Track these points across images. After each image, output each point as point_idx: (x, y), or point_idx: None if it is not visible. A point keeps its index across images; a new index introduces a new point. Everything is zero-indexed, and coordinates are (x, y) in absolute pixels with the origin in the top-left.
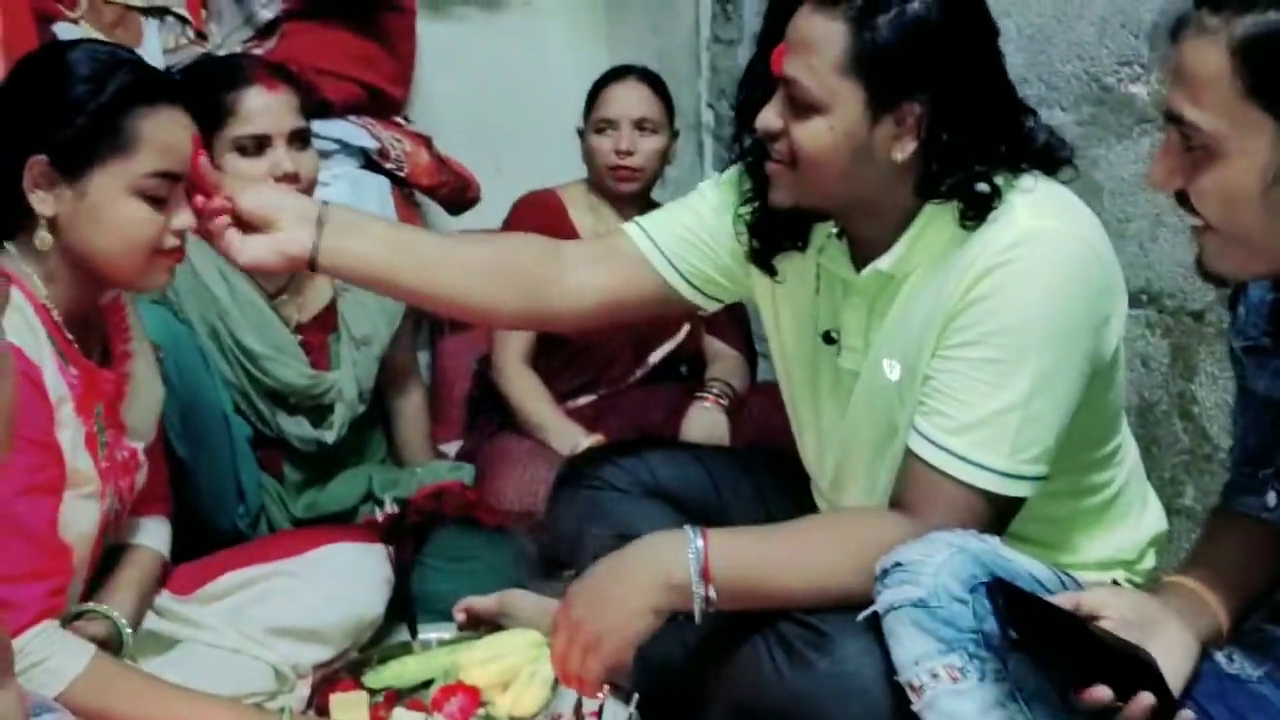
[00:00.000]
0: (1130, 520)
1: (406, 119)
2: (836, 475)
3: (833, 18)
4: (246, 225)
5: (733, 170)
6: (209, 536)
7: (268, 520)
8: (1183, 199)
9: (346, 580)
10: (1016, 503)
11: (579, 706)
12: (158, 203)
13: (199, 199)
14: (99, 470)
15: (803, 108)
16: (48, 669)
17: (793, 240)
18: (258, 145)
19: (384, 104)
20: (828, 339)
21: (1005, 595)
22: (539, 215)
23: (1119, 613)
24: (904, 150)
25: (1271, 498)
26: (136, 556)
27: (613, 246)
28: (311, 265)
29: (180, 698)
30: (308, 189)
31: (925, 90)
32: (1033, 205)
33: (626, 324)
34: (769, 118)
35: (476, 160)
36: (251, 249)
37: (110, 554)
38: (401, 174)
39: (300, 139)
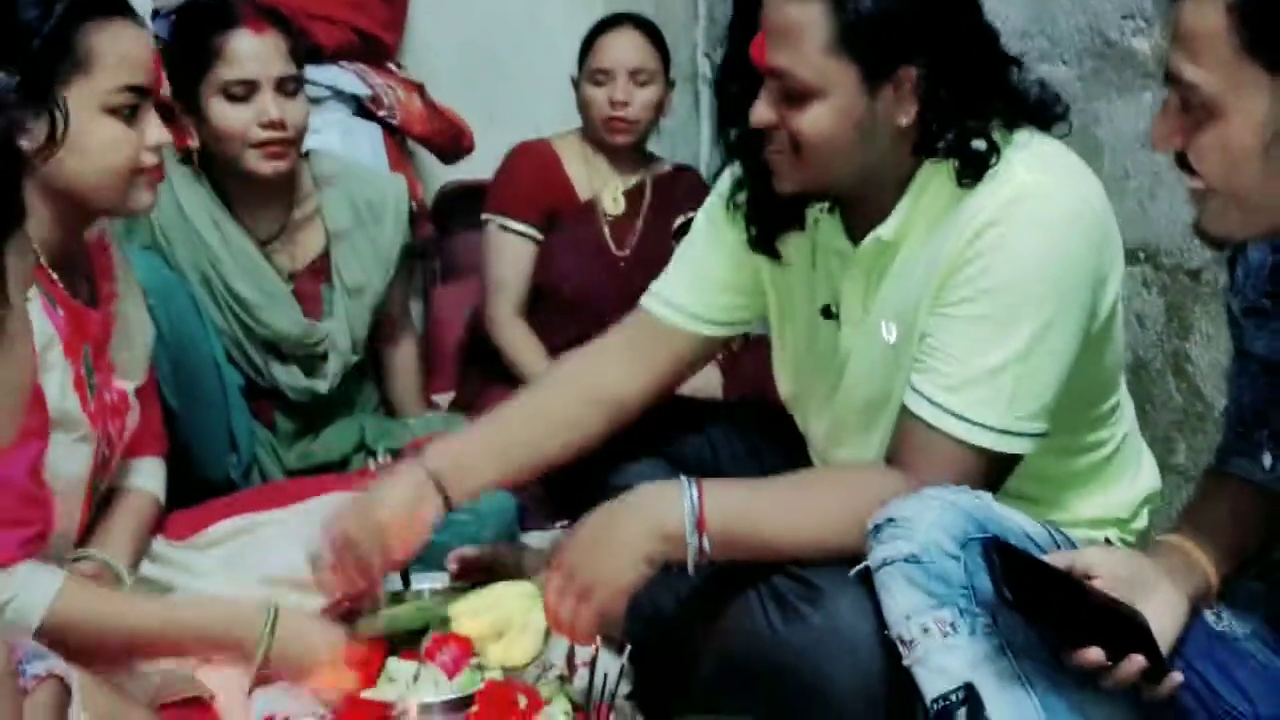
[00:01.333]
0: (1126, 479)
1: (399, 65)
2: (831, 436)
3: (808, 1)
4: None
5: (714, 196)
6: (201, 486)
7: (260, 470)
8: (1182, 161)
9: None
10: (1013, 460)
11: (571, 656)
12: (130, 120)
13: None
14: (88, 413)
15: (797, 96)
16: (20, 603)
17: (791, 220)
18: (245, 90)
19: (376, 50)
20: (826, 313)
21: (1000, 554)
22: (533, 166)
23: (1112, 572)
24: (908, 114)
25: (1267, 459)
26: (131, 500)
27: (644, 329)
28: (449, 508)
29: (160, 605)
30: (296, 138)
31: (918, 50)
32: (1029, 161)
33: (622, 285)
34: (763, 112)
35: (470, 108)
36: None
37: (105, 496)
38: (394, 122)
39: (289, 86)
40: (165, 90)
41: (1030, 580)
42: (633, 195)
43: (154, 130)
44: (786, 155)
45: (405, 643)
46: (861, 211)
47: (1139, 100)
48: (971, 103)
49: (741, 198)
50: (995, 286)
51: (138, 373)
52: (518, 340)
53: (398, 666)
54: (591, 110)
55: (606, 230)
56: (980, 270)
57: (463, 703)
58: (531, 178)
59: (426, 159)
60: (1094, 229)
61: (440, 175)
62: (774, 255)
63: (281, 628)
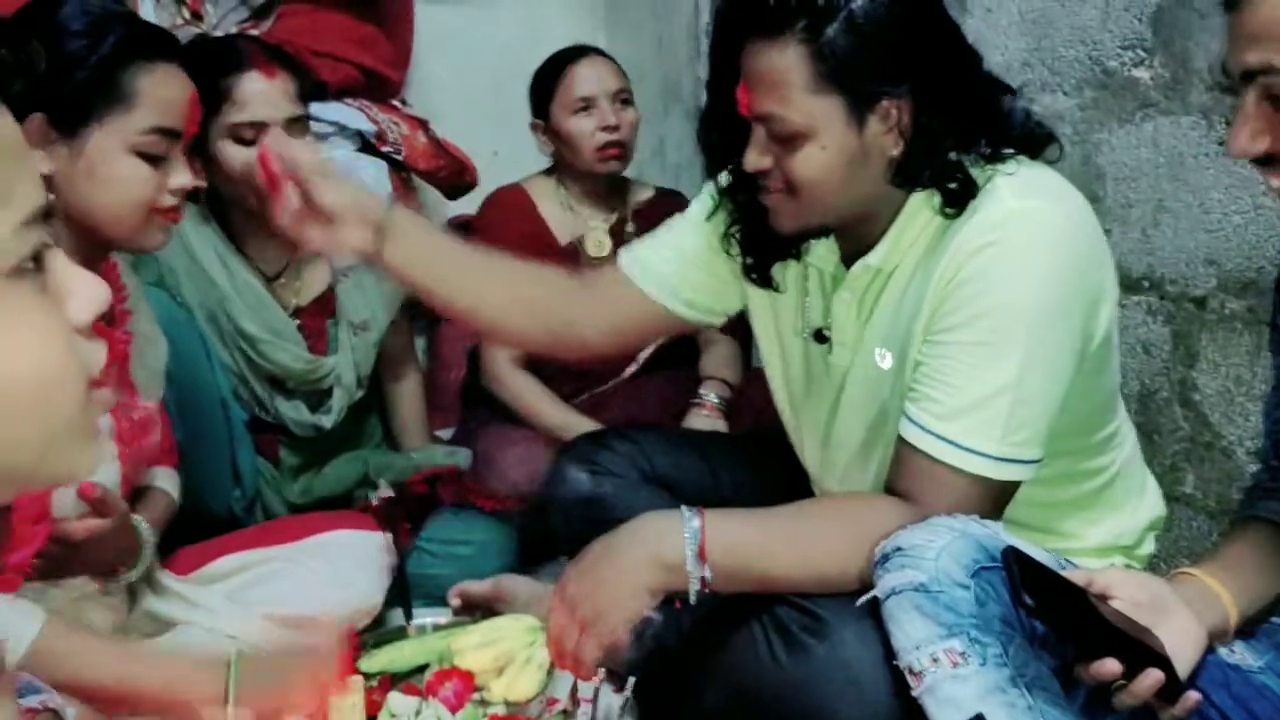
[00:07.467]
0: (1129, 505)
1: (404, 102)
2: (828, 463)
3: (785, 46)
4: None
5: (705, 194)
6: (205, 520)
7: (263, 504)
8: (1266, 161)
9: (346, 567)
10: (1012, 486)
11: (574, 691)
12: (156, 161)
13: (273, 171)
14: (119, 431)
15: (788, 139)
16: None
17: (788, 252)
18: (254, 133)
19: (381, 87)
20: (819, 338)
21: (1020, 565)
22: (508, 216)
23: (1131, 595)
24: (897, 145)
25: None
26: (151, 495)
27: (615, 284)
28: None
29: (121, 659)
30: None
31: (900, 79)
32: (1017, 186)
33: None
34: (756, 159)
35: (474, 144)
36: (312, 237)
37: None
38: (399, 157)
39: (297, 126)
40: None
41: (1048, 593)
42: (615, 231)
43: (179, 174)
44: (782, 196)
45: (407, 678)
46: (854, 237)
47: (1140, 130)
48: (956, 131)
49: (735, 230)
50: (986, 312)
51: (154, 389)
52: (523, 390)
53: (400, 702)
54: (581, 143)
55: None
56: (971, 296)
57: None
58: (506, 229)
59: (431, 194)
60: (1084, 252)
61: (445, 210)
62: (768, 285)
63: (245, 675)
